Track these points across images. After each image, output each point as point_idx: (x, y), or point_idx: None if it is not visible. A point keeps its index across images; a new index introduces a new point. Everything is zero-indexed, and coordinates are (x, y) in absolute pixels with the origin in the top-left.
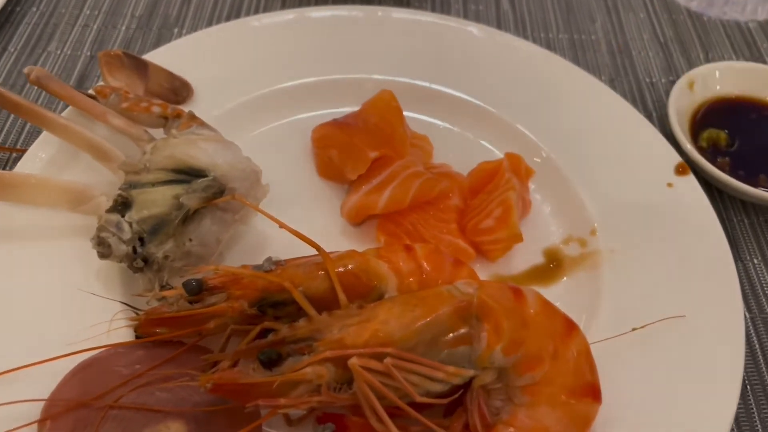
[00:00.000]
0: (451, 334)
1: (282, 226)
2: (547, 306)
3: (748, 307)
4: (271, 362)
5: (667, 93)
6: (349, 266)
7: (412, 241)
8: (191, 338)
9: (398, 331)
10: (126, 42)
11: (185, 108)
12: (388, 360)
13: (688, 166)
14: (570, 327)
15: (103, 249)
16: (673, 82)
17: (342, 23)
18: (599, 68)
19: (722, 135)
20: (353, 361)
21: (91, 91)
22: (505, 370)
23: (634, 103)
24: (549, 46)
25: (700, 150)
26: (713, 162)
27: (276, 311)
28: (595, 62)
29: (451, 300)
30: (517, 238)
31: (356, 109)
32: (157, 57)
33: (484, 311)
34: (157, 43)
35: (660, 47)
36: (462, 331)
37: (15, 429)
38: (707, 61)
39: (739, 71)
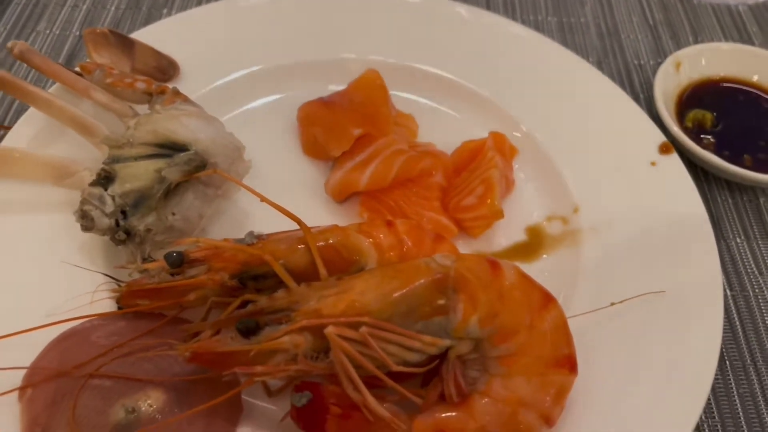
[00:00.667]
0: (427, 306)
1: (263, 199)
2: (524, 279)
3: (729, 285)
4: (248, 331)
5: (655, 75)
6: (330, 240)
7: (395, 218)
8: (172, 310)
9: (375, 302)
10: (115, 22)
11: (171, 85)
12: (364, 329)
13: (671, 144)
14: (547, 299)
15: (86, 222)
16: (660, 65)
17: (329, 3)
18: (587, 50)
19: (708, 116)
20: (330, 330)
21: (77, 69)
22: (481, 341)
23: (621, 84)
24: (538, 28)
25: (686, 130)
26: (698, 142)
27: (257, 284)
28: (584, 45)
29: (429, 272)
30: (498, 214)
31: (342, 88)
32: (144, 36)
33: (460, 283)
34: (147, 23)
35: (649, 30)
36: (438, 302)
37: None
38: (696, 44)
39: (725, 52)
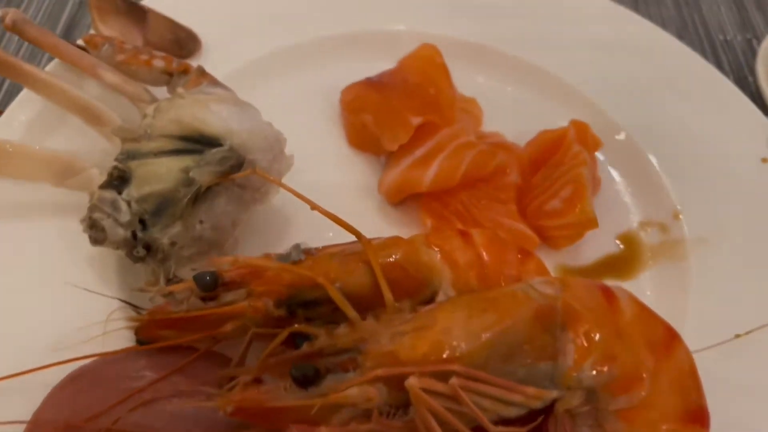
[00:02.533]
0: (529, 348)
1: (314, 207)
2: (644, 311)
3: None
4: (307, 380)
5: (744, 53)
6: (395, 257)
7: (464, 226)
8: (204, 343)
9: (465, 343)
10: None
11: (192, 63)
12: (454, 380)
13: None
14: (671, 336)
15: (96, 233)
16: (749, 41)
17: None
18: (664, 23)
19: None
20: (412, 382)
21: (80, 42)
22: (595, 391)
23: None
24: None
25: None
26: None
27: (307, 312)
28: (659, 16)
29: (529, 303)
30: (592, 223)
31: (391, 66)
32: (158, 2)
33: (570, 318)
34: None
35: (732, 1)
36: (544, 342)
37: None
38: None
39: None
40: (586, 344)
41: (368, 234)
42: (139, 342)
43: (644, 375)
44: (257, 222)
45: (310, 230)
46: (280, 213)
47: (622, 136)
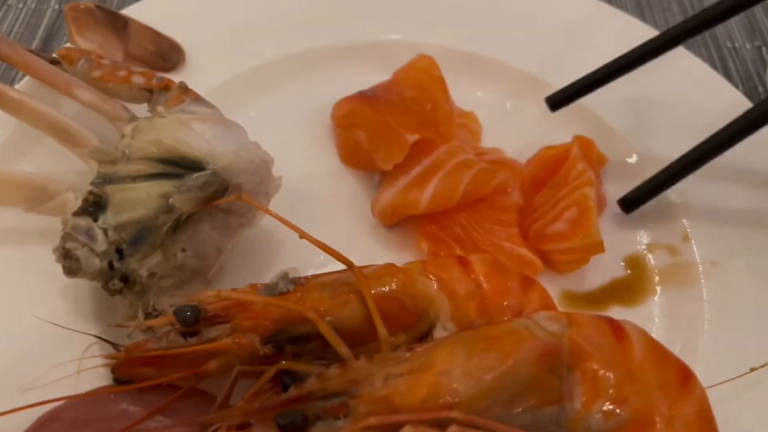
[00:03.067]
0: (534, 391)
1: (303, 236)
2: (656, 348)
3: None
4: (294, 428)
5: (754, 62)
6: (389, 287)
7: (464, 250)
8: (187, 381)
9: (465, 387)
10: None
11: (174, 77)
12: (453, 428)
13: None
14: (685, 376)
15: (70, 264)
16: (759, 48)
17: None
18: None
19: None
20: (408, 431)
21: (55, 56)
22: None
23: None
24: (611, 2)
25: None
26: None
27: (296, 347)
28: (665, 22)
29: (533, 342)
30: (598, 247)
31: (386, 78)
32: (140, 12)
33: (577, 357)
34: None
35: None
36: (549, 384)
37: None
38: None
39: None
40: (594, 386)
41: (361, 259)
42: (117, 381)
43: (657, 419)
44: (245, 247)
45: (301, 254)
46: (270, 237)
47: (627, 152)
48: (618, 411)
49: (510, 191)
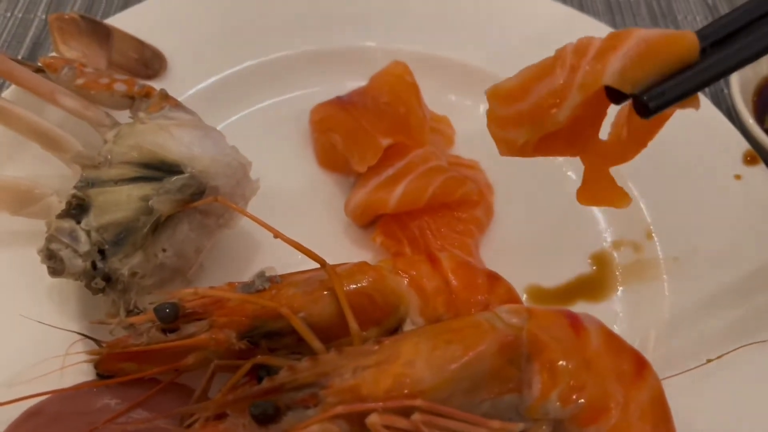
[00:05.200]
0: (495, 380)
1: (278, 235)
2: (612, 339)
3: None
4: (266, 418)
5: None
6: (361, 284)
7: (413, 250)
8: (167, 376)
9: (429, 377)
10: (88, 3)
11: (157, 84)
12: (416, 416)
13: (757, 154)
14: (640, 364)
15: (55, 264)
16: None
17: None
18: None
19: None
20: (373, 419)
21: (39, 64)
22: (562, 423)
23: None
24: (582, 8)
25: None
26: None
27: (270, 342)
28: (636, 27)
29: (494, 334)
30: None
31: (363, 84)
32: (123, 21)
33: (536, 348)
34: (126, 5)
35: (708, 10)
36: (509, 374)
37: None
38: None
39: None
40: (552, 375)
41: (337, 258)
42: (99, 376)
43: (612, 405)
44: (225, 247)
45: (279, 253)
46: (249, 237)
47: None
48: (574, 398)
49: (476, 204)
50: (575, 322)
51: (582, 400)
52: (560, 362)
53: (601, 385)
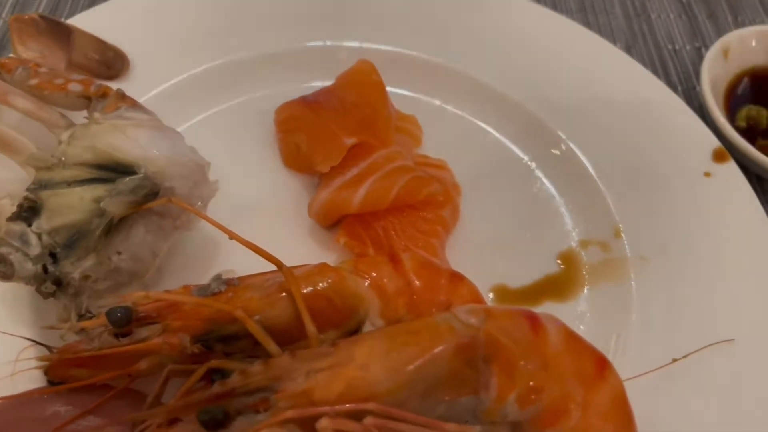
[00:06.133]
0: (451, 382)
1: (232, 236)
2: (572, 339)
3: None
4: (215, 423)
5: (693, 62)
6: (320, 286)
7: (377, 251)
8: (120, 381)
9: (383, 380)
10: (53, 4)
11: (119, 85)
12: (368, 420)
13: (727, 151)
14: (602, 365)
15: (4, 268)
16: (699, 50)
17: None
18: (614, 33)
19: (764, 113)
20: (324, 424)
21: None
22: (520, 425)
23: (655, 74)
24: (556, 8)
25: (738, 130)
26: (753, 143)
27: (226, 346)
28: (609, 26)
29: (451, 335)
30: None
31: (329, 83)
32: (85, 21)
33: (493, 350)
34: (92, 5)
35: (682, 9)
36: (466, 376)
37: None
38: (737, 24)
39: None
40: (510, 377)
41: (301, 259)
42: (50, 383)
43: (572, 407)
44: (185, 249)
45: (241, 256)
46: (210, 239)
47: (564, 154)
48: (533, 400)
49: (441, 204)
50: (535, 323)
51: (541, 402)
52: (518, 363)
53: (560, 386)
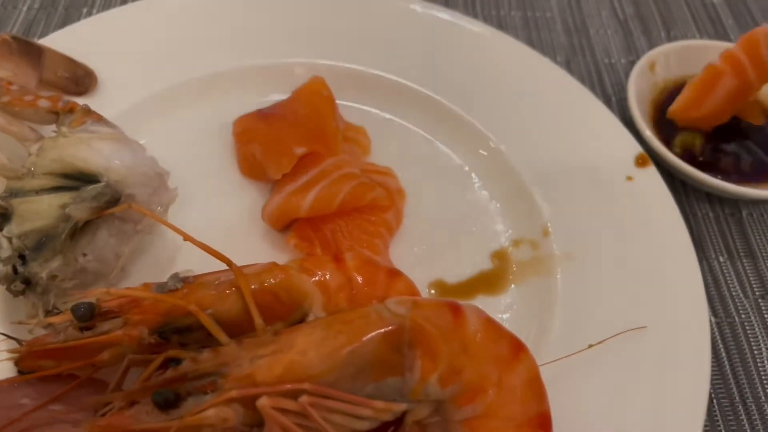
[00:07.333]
0: (379, 365)
1: (186, 237)
2: (490, 326)
3: (713, 311)
4: (167, 404)
5: (627, 75)
6: (267, 283)
7: (324, 251)
8: (84, 371)
9: (318, 363)
10: (27, 24)
11: (88, 100)
12: (303, 398)
13: (648, 157)
14: (517, 349)
15: None
16: (633, 63)
17: (267, 1)
18: (554, 48)
19: (698, 139)
20: (263, 402)
21: None
22: (442, 403)
23: (592, 86)
24: (501, 24)
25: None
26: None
27: (182, 338)
28: (550, 42)
29: (380, 323)
30: None
31: (286, 97)
32: (56, 41)
33: (417, 336)
34: (63, 26)
35: (620, 25)
36: (392, 359)
37: None
38: (669, 39)
39: (703, 50)
40: (432, 360)
41: (255, 259)
42: (20, 372)
43: (488, 386)
44: (148, 251)
45: (199, 257)
46: (171, 242)
47: (499, 159)
48: (453, 380)
49: (385, 208)
50: (457, 312)
51: (460, 382)
52: (440, 348)
53: (478, 368)
